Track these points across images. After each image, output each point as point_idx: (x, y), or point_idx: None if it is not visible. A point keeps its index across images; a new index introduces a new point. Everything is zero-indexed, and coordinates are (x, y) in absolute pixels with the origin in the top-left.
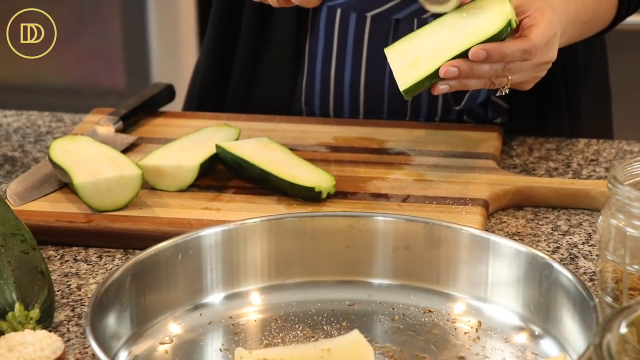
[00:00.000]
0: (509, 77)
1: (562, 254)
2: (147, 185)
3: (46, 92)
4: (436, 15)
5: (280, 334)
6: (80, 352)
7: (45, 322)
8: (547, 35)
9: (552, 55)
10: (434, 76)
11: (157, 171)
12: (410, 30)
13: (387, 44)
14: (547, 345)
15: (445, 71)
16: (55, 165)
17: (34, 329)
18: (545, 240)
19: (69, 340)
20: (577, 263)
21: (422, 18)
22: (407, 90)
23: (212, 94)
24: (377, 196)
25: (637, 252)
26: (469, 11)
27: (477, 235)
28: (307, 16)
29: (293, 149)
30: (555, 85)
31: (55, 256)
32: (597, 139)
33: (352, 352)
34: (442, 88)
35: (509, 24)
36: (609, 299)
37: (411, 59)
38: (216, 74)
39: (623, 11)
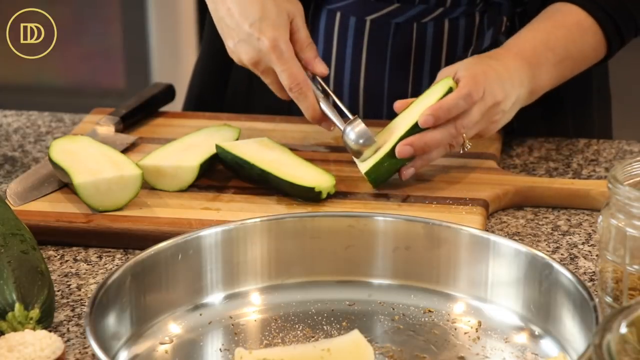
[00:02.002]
0: (464, 135)
1: (562, 254)
2: (147, 185)
3: (46, 92)
4: (434, 21)
5: (280, 334)
6: (80, 352)
7: (45, 322)
8: (479, 79)
9: (499, 94)
10: (393, 158)
11: (157, 171)
12: (409, 34)
13: (386, 48)
14: (547, 345)
15: (400, 151)
16: (55, 165)
17: (34, 329)
18: (545, 240)
19: (69, 340)
20: (577, 263)
21: (421, 22)
22: (368, 173)
23: (212, 95)
24: (377, 196)
25: (637, 252)
26: (422, 97)
27: (477, 235)
28: (306, 19)
29: (293, 149)
30: (561, 87)
31: (55, 256)
32: (597, 139)
33: (352, 352)
34: (408, 172)
35: (450, 89)
36: (609, 299)
37: (375, 149)
38: (215, 75)
39: (615, 41)
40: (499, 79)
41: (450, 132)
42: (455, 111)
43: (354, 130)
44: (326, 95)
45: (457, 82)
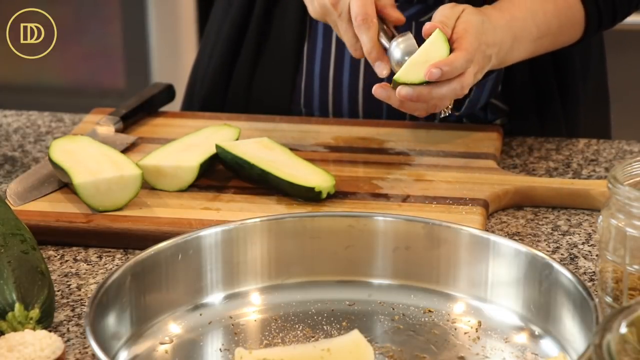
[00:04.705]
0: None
1: (562, 254)
2: (147, 185)
3: (46, 92)
4: (431, 18)
5: (280, 334)
6: (80, 352)
7: (45, 322)
8: (480, 43)
9: (485, 63)
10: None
11: (157, 171)
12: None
13: None
14: (547, 345)
15: (403, 94)
16: (55, 165)
17: (34, 329)
18: (545, 240)
19: (69, 340)
20: (577, 263)
21: (420, 21)
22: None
23: (216, 98)
24: (377, 196)
25: (637, 252)
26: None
27: (477, 235)
28: (305, 19)
29: (293, 149)
30: (552, 86)
31: (55, 256)
32: (596, 139)
33: (352, 352)
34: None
35: (449, 48)
36: (609, 299)
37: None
38: (222, 78)
39: (593, 26)
40: (487, 45)
41: (454, 88)
42: (459, 71)
43: (399, 47)
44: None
45: (453, 39)
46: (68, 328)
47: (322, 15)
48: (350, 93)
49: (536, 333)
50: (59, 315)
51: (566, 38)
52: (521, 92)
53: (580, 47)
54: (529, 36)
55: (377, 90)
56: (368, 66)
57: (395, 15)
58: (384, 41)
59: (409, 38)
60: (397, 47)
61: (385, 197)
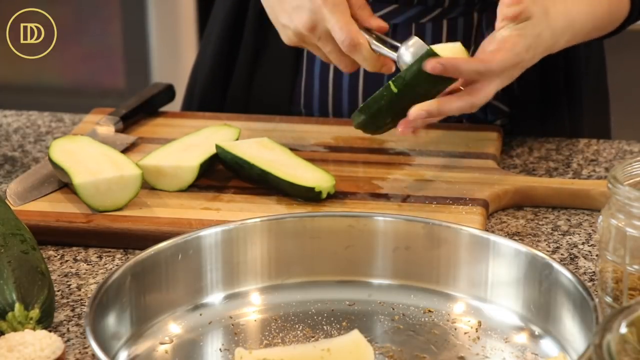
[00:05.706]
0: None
1: (562, 254)
2: (147, 185)
3: (46, 92)
4: (433, 22)
5: (280, 334)
6: (80, 352)
7: (45, 322)
8: (510, 63)
9: (505, 83)
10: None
11: (157, 171)
12: (408, 34)
13: None
14: (547, 345)
15: (411, 113)
16: (55, 165)
17: (34, 329)
18: (545, 240)
19: (69, 340)
20: (577, 263)
21: (420, 23)
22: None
23: (215, 98)
24: (377, 196)
25: (637, 252)
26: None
27: (477, 235)
28: None
29: (293, 149)
30: (556, 86)
31: (55, 256)
32: (597, 139)
33: (352, 352)
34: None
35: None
36: (609, 299)
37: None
38: (220, 79)
39: (634, 15)
40: (519, 66)
41: (467, 104)
42: (465, 75)
43: (409, 51)
44: (379, 40)
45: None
46: (68, 328)
47: (299, 42)
48: (350, 93)
49: (536, 333)
50: (59, 315)
51: (611, 28)
52: (523, 94)
53: (585, 47)
54: (584, 30)
55: (415, 112)
56: None
57: (377, 24)
58: (378, 48)
59: (416, 41)
60: (407, 50)
61: (385, 197)
